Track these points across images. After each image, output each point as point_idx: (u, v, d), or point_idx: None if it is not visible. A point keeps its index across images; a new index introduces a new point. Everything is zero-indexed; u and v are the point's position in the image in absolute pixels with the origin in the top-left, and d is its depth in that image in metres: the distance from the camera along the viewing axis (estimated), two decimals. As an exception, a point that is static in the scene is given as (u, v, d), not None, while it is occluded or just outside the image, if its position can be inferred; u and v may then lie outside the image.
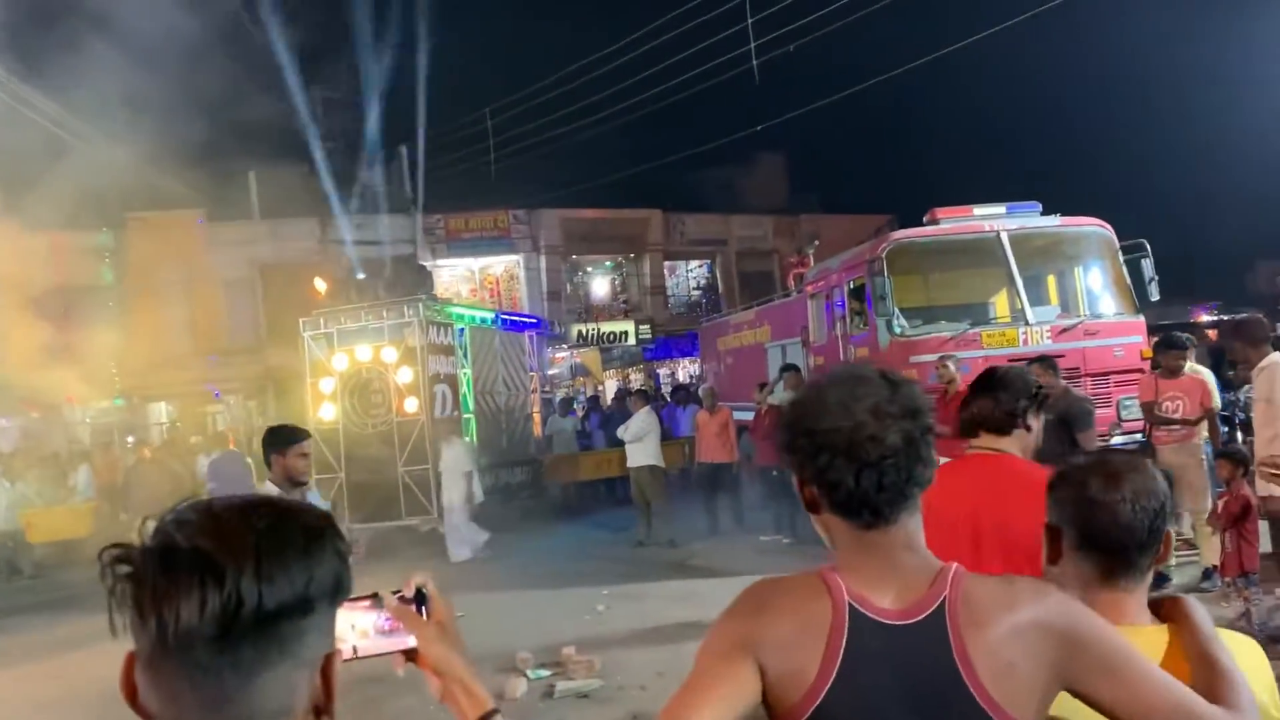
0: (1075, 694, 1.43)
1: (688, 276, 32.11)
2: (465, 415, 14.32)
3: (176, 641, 0.87)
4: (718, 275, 31.28)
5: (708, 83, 22.28)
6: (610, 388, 29.30)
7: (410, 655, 1.27)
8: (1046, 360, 7.46)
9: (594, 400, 21.50)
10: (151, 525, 0.93)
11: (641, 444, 11.82)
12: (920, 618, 1.44)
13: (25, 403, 22.99)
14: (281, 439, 4.66)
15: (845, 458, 1.44)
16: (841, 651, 1.42)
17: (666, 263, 30.75)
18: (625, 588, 9.53)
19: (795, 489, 1.55)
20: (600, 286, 30.95)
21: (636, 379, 29.76)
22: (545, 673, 6.87)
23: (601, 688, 6.53)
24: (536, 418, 16.66)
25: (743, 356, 15.01)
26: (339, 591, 0.99)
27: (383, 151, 26.25)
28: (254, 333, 24.56)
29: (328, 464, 13.54)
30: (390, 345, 13.51)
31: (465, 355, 14.52)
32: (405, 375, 13.41)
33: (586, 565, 10.95)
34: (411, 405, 13.38)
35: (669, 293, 31.14)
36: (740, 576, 9.45)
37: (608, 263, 30.83)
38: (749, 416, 12.40)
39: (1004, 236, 10.11)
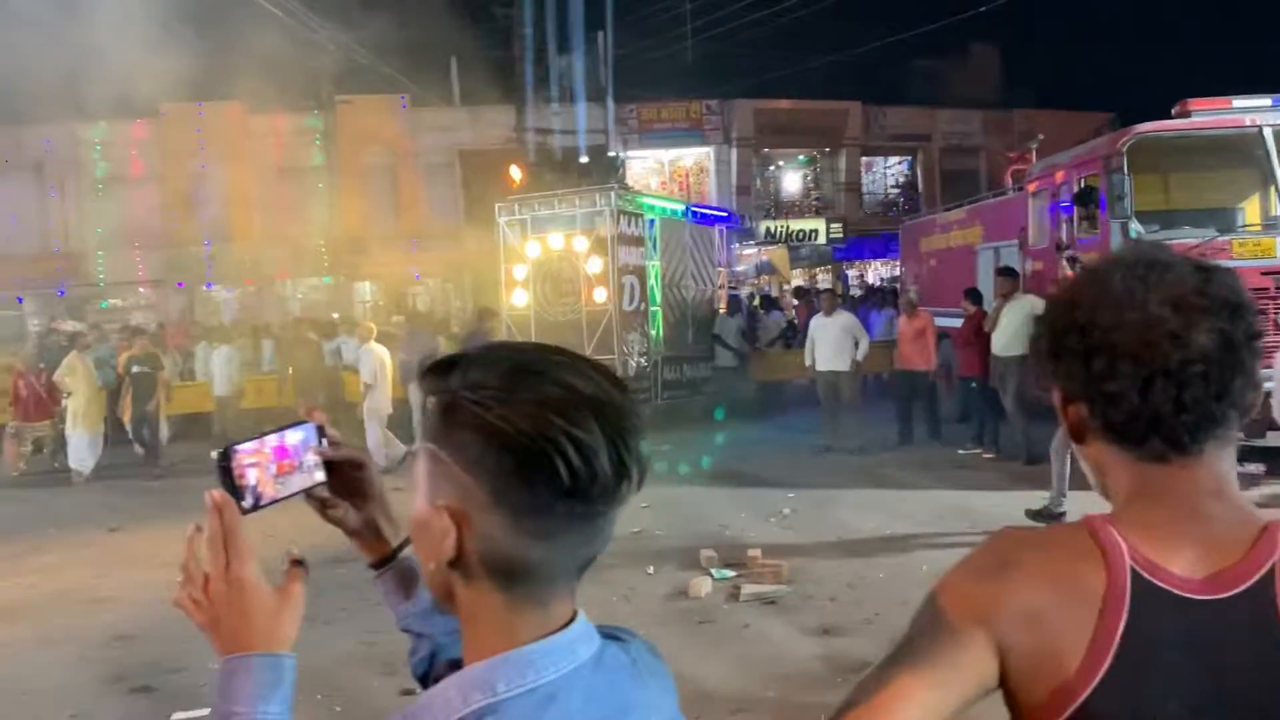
0: None
1: (885, 173, 30.71)
2: (652, 308, 14.19)
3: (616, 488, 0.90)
4: (918, 173, 29.78)
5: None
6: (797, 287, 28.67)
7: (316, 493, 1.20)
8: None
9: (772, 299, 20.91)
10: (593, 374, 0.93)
11: (838, 346, 11.37)
12: (1236, 591, 1.01)
13: (245, 277, 24.61)
14: None
15: (1132, 362, 1.04)
16: (1119, 634, 1.01)
17: (864, 158, 29.47)
18: (811, 493, 9.25)
19: (1057, 408, 1.14)
20: (792, 182, 30.02)
21: (824, 279, 28.93)
22: (730, 573, 6.71)
23: (789, 594, 6.32)
24: (722, 310, 16.31)
25: (949, 259, 14.12)
26: None
27: (579, 39, 25.97)
28: (452, 217, 25.15)
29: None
30: (582, 234, 13.46)
31: (655, 247, 14.30)
32: (595, 265, 13.36)
33: (770, 466, 10.70)
34: (600, 295, 13.35)
35: (864, 190, 29.91)
36: (935, 490, 9.07)
37: (801, 157, 29.81)
38: (954, 323, 11.72)
39: (1268, 132, 9.00)
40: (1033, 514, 7.68)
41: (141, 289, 25.43)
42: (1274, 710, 0.99)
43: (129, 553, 8.50)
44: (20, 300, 24.89)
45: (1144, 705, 1.01)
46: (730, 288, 18.72)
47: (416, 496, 0.96)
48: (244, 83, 20.32)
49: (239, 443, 1.11)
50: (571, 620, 0.95)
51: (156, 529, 9.31)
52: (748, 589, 6.36)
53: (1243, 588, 1.02)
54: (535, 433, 0.87)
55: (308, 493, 1.18)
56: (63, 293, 24.67)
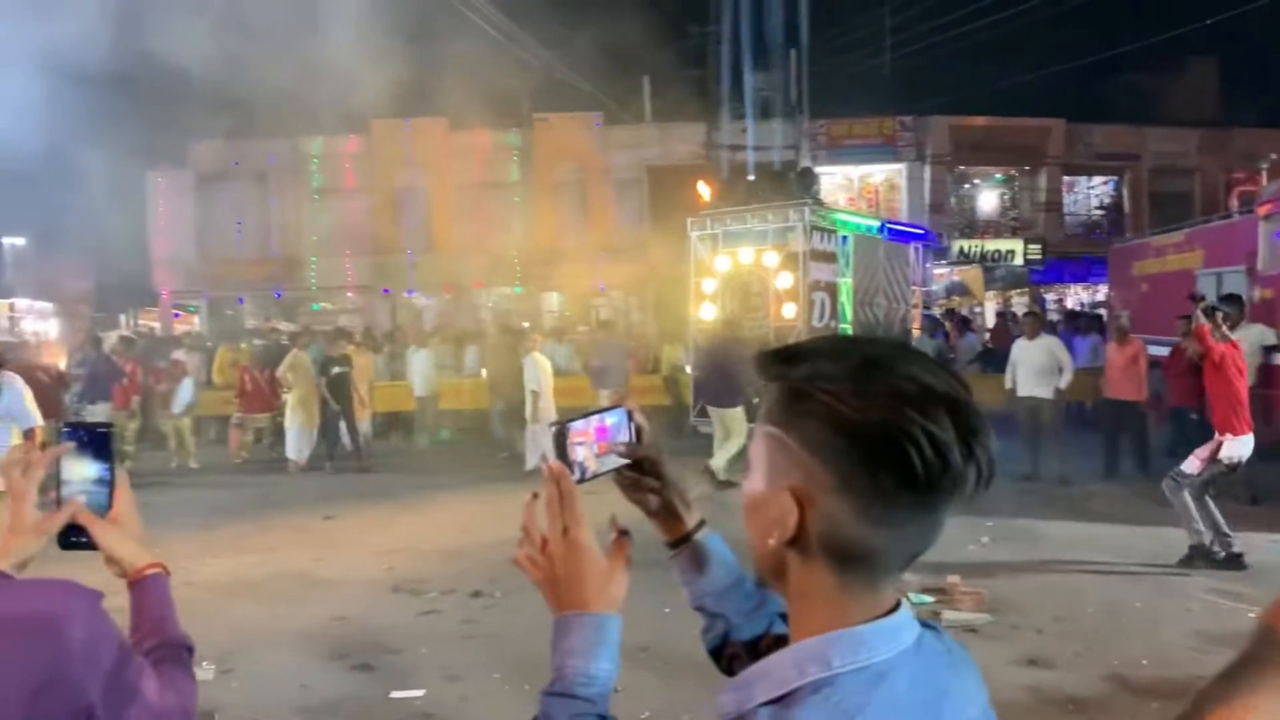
0: None
1: (1088, 194, 29.20)
2: (842, 325, 13.99)
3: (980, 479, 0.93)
4: (1124, 193, 28.18)
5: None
6: (989, 309, 27.66)
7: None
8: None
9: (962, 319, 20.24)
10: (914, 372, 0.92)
11: (1041, 371, 10.91)
12: None
13: (444, 285, 25.84)
14: None
15: None
16: None
17: (1065, 177, 28.12)
18: (1012, 522, 8.87)
19: None
20: (988, 201, 28.97)
21: (1019, 302, 27.77)
22: (928, 599, 6.53)
23: (992, 623, 6.10)
24: (916, 332, 15.93)
25: (1164, 284, 13.30)
26: None
27: (773, 55, 25.99)
28: (638, 231, 25.60)
29: (705, 362, 13.88)
30: (773, 249, 13.42)
31: (847, 264, 14.09)
32: (785, 280, 13.29)
33: (966, 492, 10.32)
34: (789, 311, 13.26)
35: (1065, 211, 28.53)
36: (1146, 526, 8.55)
37: (998, 175, 28.74)
38: (1165, 352, 11.05)
39: None
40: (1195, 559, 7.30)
41: (349, 294, 27.05)
42: None
43: (342, 538, 9.06)
44: (240, 300, 27.00)
45: None
46: (924, 308, 18.22)
47: (752, 477, 1.00)
48: (451, 100, 21.40)
49: (572, 420, 1.20)
50: (896, 606, 0.97)
51: (366, 518, 9.93)
52: (948, 615, 6.18)
53: None
54: (890, 424, 0.89)
55: (617, 472, 1.25)
56: (279, 294, 26.59)
